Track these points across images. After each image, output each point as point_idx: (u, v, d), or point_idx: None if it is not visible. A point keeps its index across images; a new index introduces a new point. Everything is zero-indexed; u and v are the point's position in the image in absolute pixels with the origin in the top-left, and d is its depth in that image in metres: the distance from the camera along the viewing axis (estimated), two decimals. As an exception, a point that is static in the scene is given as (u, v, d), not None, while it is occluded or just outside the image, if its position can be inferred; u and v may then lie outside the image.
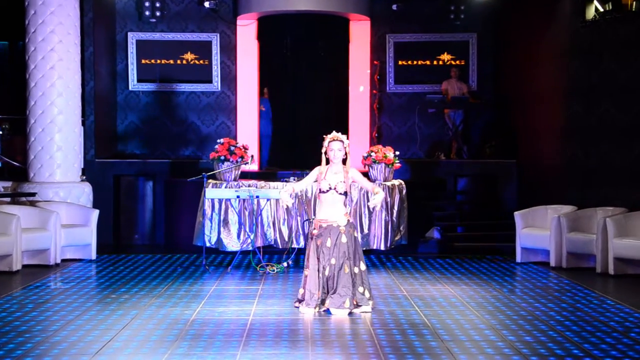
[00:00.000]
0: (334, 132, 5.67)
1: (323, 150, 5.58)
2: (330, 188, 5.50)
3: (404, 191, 8.85)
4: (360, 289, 5.57)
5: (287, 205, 6.14)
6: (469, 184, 10.64)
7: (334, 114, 11.28)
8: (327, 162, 5.63)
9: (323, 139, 5.62)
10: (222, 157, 8.62)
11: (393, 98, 11.67)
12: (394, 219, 8.66)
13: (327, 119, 10.95)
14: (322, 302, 5.57)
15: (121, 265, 8.24)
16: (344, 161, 5.67)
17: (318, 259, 5.52)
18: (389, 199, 8.61)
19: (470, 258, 8.77)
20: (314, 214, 6.00)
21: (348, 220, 5.54)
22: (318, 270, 5.49)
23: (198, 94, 11.49)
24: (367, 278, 5.66)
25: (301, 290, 5.70)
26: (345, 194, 5.58)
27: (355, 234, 5.54)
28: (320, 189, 5.54)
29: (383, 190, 8.47)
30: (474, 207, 10.41)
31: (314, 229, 5.63)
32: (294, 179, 8.55)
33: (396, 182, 8.89)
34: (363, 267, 5.59)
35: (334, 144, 5.59)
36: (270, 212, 8.48)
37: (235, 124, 11.42)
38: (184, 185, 9.24)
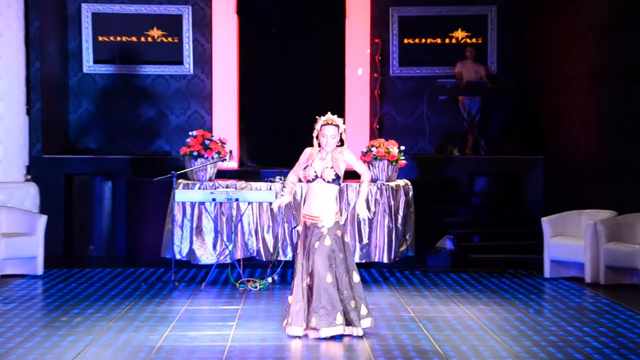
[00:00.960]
0: (329, 113, 5.71)
1: (314, 134, 5.62)
2: (316, 176, 5.54)
3: (411, 193, 8.84)
4: (352, 303, 5.56)
5: (282, 204, 6.10)
6: (487, 184, 10.67)
7: (327, 102, 11.17)
8: (319, 146, 5.68)
9: (316, 121, 5.66)
10: (195, 153, 8.61)
11: (397, 83, 11.65)
12: (399, 226, 8.66)
13: (320, 107, 10.64)
14: (309, 321, 5.54)
15: (73, 281, 8.20)
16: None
17: (303, 263, 5.60)
18: (392, 203, 8.62)
19: (489, 272, 8.80)
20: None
21: (336, 222, 5.57)
22: (302, 279, 5.56)
23: (166, 77, 11.44)
24: (363, 292, 5.70)
25: (290, 298, 5.68)
26: (338, 181, 5.58)
27: (346, 238, 5.59)
28: (305, 177, 5.59)
29: (385, 191, 8.48)
30: (494, 212, 10.45)
31: (300, 224, 5.73)
32: (280, 179, 8.51)
33: (401, 182, 8.87)
34: (356, 278, 5.64)
35: (327, 129, 5.62)
36: (252, 218, 8.47)
37: (211, 113, 11.39)
38: (150, 186, 9.21)
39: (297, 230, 5.69)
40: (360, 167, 5.85)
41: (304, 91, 11.33)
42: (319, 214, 5.54)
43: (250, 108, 11.55)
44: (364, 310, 5.66)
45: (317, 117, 5.68)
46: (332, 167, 5.56)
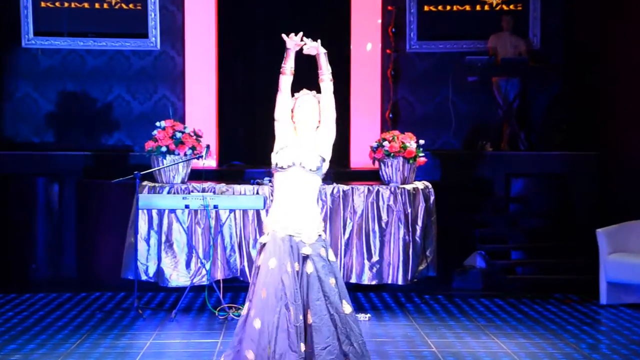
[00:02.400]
0: (304, 90, 5.41)
1: (289, 116, 5.29)
2: (293, 164, 5.18)
3: (432, 198, 8.88)
4: (346, 344, 5.02)
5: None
6: (527, 187, 10.65)
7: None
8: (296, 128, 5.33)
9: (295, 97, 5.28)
10: (164, 149, 8.64)
11: (416, 61, 11.63)
12: (417, 239, 8.70)
13: (319, 91, 10.90)
14: None
15: (10, 309, 8.19)
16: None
17: (273, 292, 4.99)
18: (409, 210, 8.67)
19: (531, 298, 8.80)
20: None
21: (319, 236, 5.13)
22: (290, 318, 4.95)
23: (127, 54, 11.40)
24: (357, 325, 5.14)
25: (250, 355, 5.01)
26: (321, 170, 5.23)
27: (331, 256, 5.15)
28: (276, 165, 5.20)
29: (400, 196, 8.52)
30: (536, 222, 10.43)
31: (263, 233, 5.28)
32: (270, 181, 8.56)
33: (420, 184, 8.91)
34: (347, 308, 5.11)
35: (303, 102, 5.30)
36: (235, 230, 8.51)
37: (183, 99, 11.38)
38: (107, 189, 9.23)
39: (261, 243, 5.12)
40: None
41: (298, 72, 11.33)
42: (296, 222, 5.10)
43: (233, 93, 11.56)
44: (357, 348, 5.07)
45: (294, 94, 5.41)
46: (315, 149, 5.20)
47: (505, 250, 9.97)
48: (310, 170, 5.11)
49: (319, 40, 5.31)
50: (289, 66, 5.28)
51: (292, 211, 5.09)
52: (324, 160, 5.18)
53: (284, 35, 5.31)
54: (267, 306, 4.92)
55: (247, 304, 5.05)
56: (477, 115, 11.47)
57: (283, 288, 4.95)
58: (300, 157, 5.12)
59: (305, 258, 5.04)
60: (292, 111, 5.26)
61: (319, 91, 5.33)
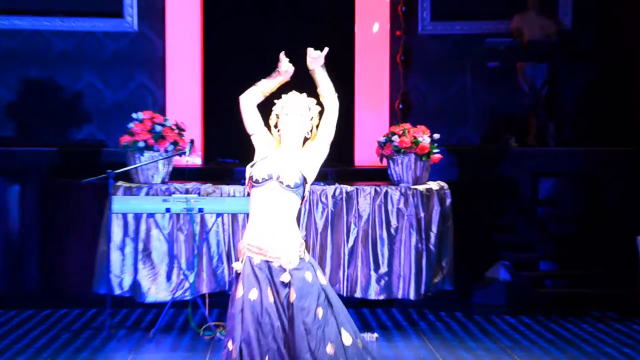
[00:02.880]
0: (293, 92, 5.29)
1: (272, 122, 5.20)
2: (269, 177, 5.12)
3: (448, 201, 8.91)
4: None
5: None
6: (557, 187, 10.64)
7: (329, 73, 11.16)
8: (280, 138, 5.23)
9: (277, 103, 5.24)
10: (141, 144, 8.65)
11: (429, 44, 11.66)
12: (432, 247, 8.71)
13: (314, 85, 10.82)
14: None
15: (-37, 328, 8.26)
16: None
17: (258, 327, 4.97)
18: (422, 214, 8.69)
19: (563, 315, 8.78)
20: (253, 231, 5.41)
21: (301, 259, 5.05)
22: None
23: (99, 36, 11.42)
24: (368, 355, 5.16)
25: None
26: (302, 188, 5.11)
27: (321, 278, 5.08)
28: (251, 178, 5.14)
29: (412, 198, 8.45)
30: (568, 228, 10.41)
31: (236, 259, 5.20)
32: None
33: (434, 185, 8.92)
34: (347, 340, 5.05)
35: (292, 105, 5.22)
36: (223, 237, 8.53)
37: (164, 87, 11.39)
38: (76, 190, 9.22)
39: (236, 271, 5.08)
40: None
41: (294, 58, 11.26)
42: (273, 246, 5.03)
43: (221, 81, 11.49)
44: None
45: (276, 101, 5.28)
46: (297, 165, 5.07)
47: (532, 259, 10.00)
48: (288, 186, 5.00)
49: (325, 49, 5.24)
50: (267, 86, 5.22)
51: (267, 233, 5.01)
52: (305, 180, 5.07)
53: (283, 57, 5.23)
54: (252, 345, 4.89)
55: (228, 341, 4.97)
56: (500, 105, 11.50)
57: (270, 321, 4.92)
58: (278, 170, 5.04)
59: (287, 285, 4.95)
60: (277, 117, 5.18)
61: (310, 95, 5.22)
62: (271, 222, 4.99)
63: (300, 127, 5.12)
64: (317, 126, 5.17)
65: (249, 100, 5.17)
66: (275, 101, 5.19)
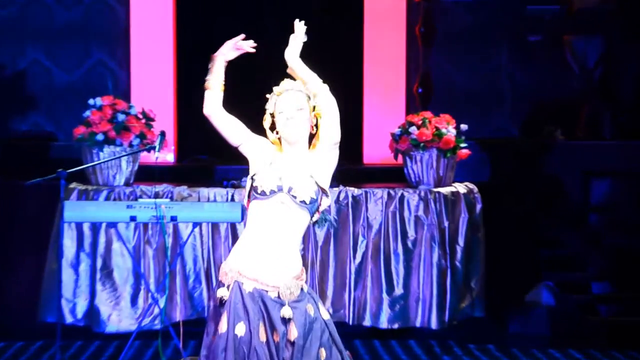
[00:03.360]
0: (287, 79, 5.27)
1: (266, 123, 5.20)
2: (279, 189, 5.14)
3: (478, 207, 9.00)
4: None
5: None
6: (614, 190, 10.68)
7: (330, 52, 11.16)
8: (280, 140, 5.22)
9: (269, 98, 5.27)
10: (100, 137, 8.68)
11: (455, 13, 11.66)
12: (458, 264, 8.78)
13: (317, 60, 10.77)
14: None
15: None
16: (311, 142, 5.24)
17: None
18: (446, 223, 8.78)
19: (620, 349, 8.77)
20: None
21: (302, 288, 5.09)
22: None
23: (47, 2, 11.39)
24: None
25: None
26: (315, 205, 5.14)
27: (323, 313, 5.12)
28: (255, 189, 5.12)
29: (434, 204, 8.46)
30: (626, 240, 10.36)
31: (221, 283, 5.11)
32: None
33: (461, 187, 9.00)
34: None
35: (288, 97, 5.21)
36: (201, 251, 8.62)
37: (128, 66, 11.36)
38: (18, 194, 9.21)
39: (218, 298, 5.07)
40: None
41: (287, 33, 11.23)
42: (271, 273, 5.02)
43: (198, 58, 11.44)
44: None
45: (267, 95, 5.28)
46: (311, 177, 5.10)
47: (582, 279, 9.94)
48: (302, 202, 5.01)
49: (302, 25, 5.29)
50: (215, 78, 5.29)
51: (267, 256, 4.97)
52: (322, 192, 5.10)
53: (230, 44, 5.35)
54: None
55: None
56: (543, 89, 11.51)
57: None
58: (289, 181, 5.04)
59: (286, 322, 4.94)
60: (271, 116, 5.17)
61: None
62: (273, 243, 4.98)
63: (302, 125, 5.11)
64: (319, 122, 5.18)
65: (213, 109, 5.21)
66: (267, 95, 5.19)
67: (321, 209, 5.10)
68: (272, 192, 4.98)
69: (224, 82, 5.27)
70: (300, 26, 5.24)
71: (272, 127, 5.15)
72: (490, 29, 11.49)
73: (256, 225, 5.01)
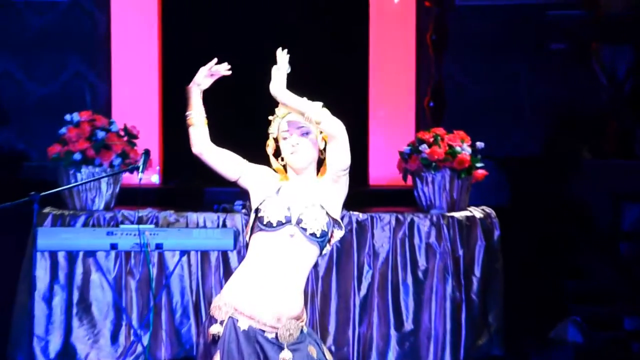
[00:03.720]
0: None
1: (269, 149, 5.25)
2: (287, 220, 5.17)
3: (496, 234, 9.00)
4: None
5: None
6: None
7: (331, 63, 11.17)
8: (285, 168, 5.29)
9: (272, 120, 5.30)
10: (78, 156, 8.72)
11: (469, 19, 11.66)
12: (474, 296, 8.81)
13: (320, 72, 10.93)
14: None
15: None
16: (320, 166, 5.28)
17: None
18: (460, 252, 8.79)
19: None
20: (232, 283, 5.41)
21: (302, 329, 5.16)
22: None
23: (18, 6, 11.44)
24: None
25: None
26: (325, 238, 5.20)
27: (329, 357, 5.20)
28: (260, 220, 5.16)
29: (447, 230, 8.40)
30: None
31: (213, 319, 5.13)
32: (241, 206, 8.48)
33: (477, 211, 9.03)
34: None
35: (292, 123, 5.18)
36: (189, 282, 8.62)
37: (108, 78, 11.41)
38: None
39: (210, 335, 5.09)
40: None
41: (284, 43, 11.22)
42: (272, 311, 5.06)
43: (185, 70, 11.42)
44: None
45: (270, 117, 5.32)
46: (321, 207, 5.14)
47: (613, 314, 9.77)
48: (312, 235, 5.04)
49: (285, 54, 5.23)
50: (197, 113, 5.29)
51: (267, 293, 5.02)
52: (334, 224, 5.14)
53: (205, 70, 5.32)
54: None
55: None
56: (567, 102, 11.47)
57: None
58: (298, 211, 5.08)
59: None
60: (275, 141, 5.22)
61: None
62: (275, 280, 5.03)
63: (309, 151, 5.14)
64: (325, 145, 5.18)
65: (202, 147, 5.23)
66: (270, 118, 5.22)
67: (333, 241, 5.14)
68: (280, 223, 5.02)
69: (205, 115, 5.29)
70: (282, 55, 5.21)
71: (276, 153, 5.20)
72: (509, 37, 11.49)
73: (258, 259, 5.05)
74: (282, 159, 5.18)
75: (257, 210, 5.08)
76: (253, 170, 5.16)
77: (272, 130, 5.21)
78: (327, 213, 5.09)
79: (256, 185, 5.14)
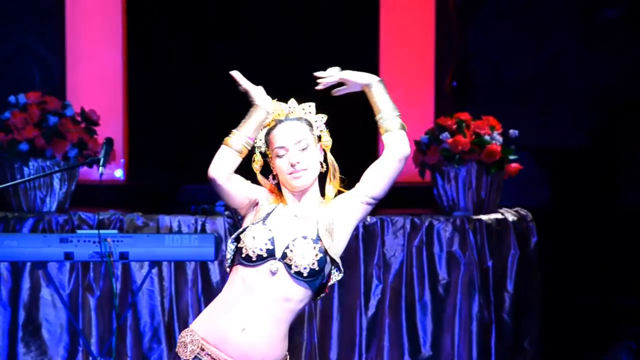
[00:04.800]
0: (274, 101, 5.24)
1: (256, 165, 5.26)
2: (269, 255, 5.17)
3: (533, 241, 9.13)
4: None
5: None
6: None
7: (335, 29, 11.30)
8: (279, 187, 5.33)
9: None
10: (25, 146, 8.82)
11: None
12: (505, 316, 8.93)
13: (318, 39, 11.16)
14: None
15: None
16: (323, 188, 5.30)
17: None
18: (489, 262, 8.91)
19: None
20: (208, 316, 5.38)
21: None
22: None
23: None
24: None
25: None
26: (319, 279, 5.21)
27: None
28: (241, 253, 5.19)
29: (473, 235, 8.57)
30: None
31: (177, 357, 5.24)
32: (225, 209, 8.79)
33: (509, 213, 9.17)
34: None
35: (284, 133, 5.21)
36: (160, 299, 8.71)
37: (62, 52, 11.51)
38: None
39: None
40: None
41: (275, 16, 11.54)
42: (249, 353, 5.16)
43: (155, 42, 11.57)
44: None
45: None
46: (316, 236, 5.17)
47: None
48: (298, 275, 5.08)
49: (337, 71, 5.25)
50: (245, 138, 5.15)
51: (241, 337, 5.12)
52: (333, 265, 5.15)
53: (236, 75, 5.21)
54: None
55: None
56: (620, 82, 11.56)
57: None
58: (285, 243, 5.11)
59: None
60: (263, 157, 5.23)
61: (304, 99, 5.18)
62: (252, 324, 5.11)
63: (312, 167, 5.18)
64: (327, 148, 5.21)
65: (224, 175, 5.08)
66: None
67: (330, 283, 5.15)
68: (261, 258, 5.07)
69: (250, 145, 5.15)
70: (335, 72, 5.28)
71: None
72: (550, 1, 11.62)
73: (235, 296, 5.14)
74: (274, 179, 5.24)
75: (237, 239, 5.14)
76: (253, 193, 5.23)
77: (258, 143, 5.24)
78: (322, 249, 5.10)
79: (252, 209, 5.24)
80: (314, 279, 5.07)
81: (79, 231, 8.30)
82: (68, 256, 8.00)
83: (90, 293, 8.55)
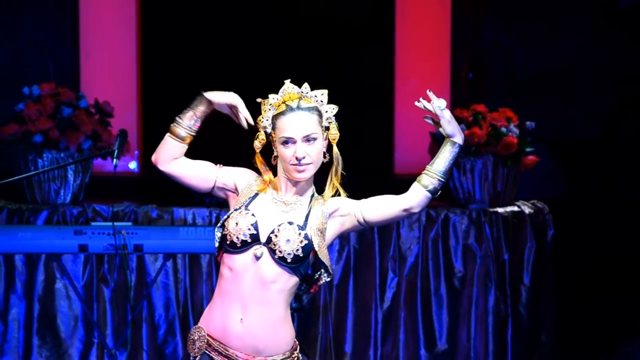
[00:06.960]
0: (288, 82, 5.23)
1: (258, 143, 5.27)
2: (253, 240, 5.21)
3: (550, 234, 9.13)
4: None
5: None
6: None
7: (351, 21, 11.30)
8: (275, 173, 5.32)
9: (261, 104, 5.28)
10: (39, 138, 8.79)
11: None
12: (522, 310, 8.95)
13: (334, 34, 11.14)
14: None
15: None
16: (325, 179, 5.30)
17: None
18: (505, 255, 8.95)
19: None
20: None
21: (291, 355, 5.31)
22: None
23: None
24: None
25: None
26: (305, 265, 5.21)
27: None
28: (227, 239, 5.21)
29: (489, 228, 8.58)
30: None
31: (193, 349, 5.29)
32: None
33: (526, 206, 9.19)
34: None
35: (294, 123, 5.17)
36: (175, 291, 8.70)
37: (76, 43, 11.49)
38: None
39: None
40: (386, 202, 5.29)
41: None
42: (250, 344, 5.20)
43: (169, 33, 11.57)
44: None
45: (259, 99, 5.28)
46: (302, 226, 5.17)
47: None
48: (281, 260, 5.09)
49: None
50: (189, 126, 5.31)
51: (241, 326, 5.15)
52: (322, 267, 5.19)
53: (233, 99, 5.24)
54: None
55: None
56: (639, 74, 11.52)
57: None
58: (269, 227, 5.12)
59: None
60: (267, 137, 5.23)
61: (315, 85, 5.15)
62: (249, 310, 5.13)
63: (317, 161, 5.17)
64: (331, 140, 5.19)
65: (167, 162, 5.28)
66: (258, 100, 5.23)
67: (320, 283, 5.22)
68: (245, 244, 5.09)
69: (194, 134, 5.29)
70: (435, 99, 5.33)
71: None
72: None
73: (228, 285, 5.16)
74: (275, 158, 5.22)
75: (222, 227, 5.16)
76: (228, 175, 5.26)
77: (264, 123, 5.24)
78: (308, 236, 5.12)
79: (232, 193, 5.27)
80: (298, 265, 5.08)
81: (93, 223, 8.33)
82: (82, 248, 8.01)
83: (105, 285, 8.54)
